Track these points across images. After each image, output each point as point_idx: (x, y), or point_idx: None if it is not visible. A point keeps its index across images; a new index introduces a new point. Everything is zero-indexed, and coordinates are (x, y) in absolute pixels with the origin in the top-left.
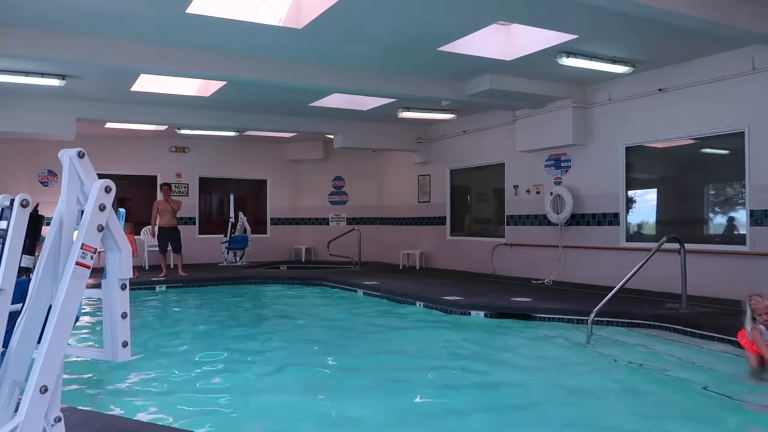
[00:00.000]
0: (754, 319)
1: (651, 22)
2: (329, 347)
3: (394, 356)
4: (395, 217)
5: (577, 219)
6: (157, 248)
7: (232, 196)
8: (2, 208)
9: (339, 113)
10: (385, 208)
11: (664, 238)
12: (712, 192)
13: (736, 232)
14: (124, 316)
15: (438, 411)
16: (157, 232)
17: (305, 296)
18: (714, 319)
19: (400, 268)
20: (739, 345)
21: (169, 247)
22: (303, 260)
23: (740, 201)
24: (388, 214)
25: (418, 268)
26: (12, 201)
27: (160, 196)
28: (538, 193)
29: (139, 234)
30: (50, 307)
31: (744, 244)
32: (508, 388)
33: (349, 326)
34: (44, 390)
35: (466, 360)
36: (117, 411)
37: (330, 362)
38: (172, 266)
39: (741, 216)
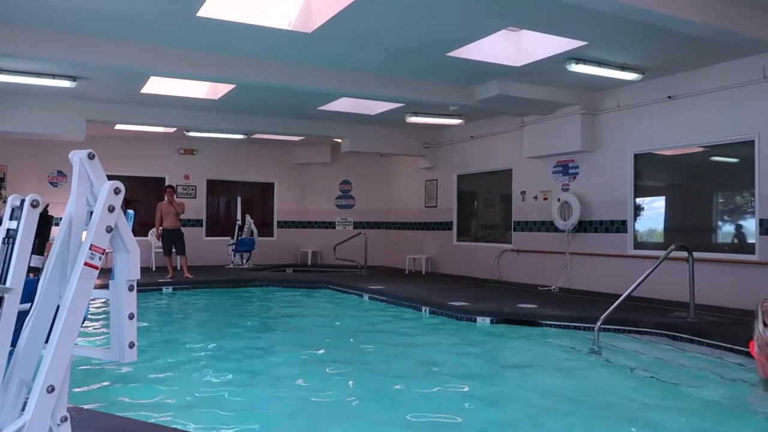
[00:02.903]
0: (765, 324)
1: (660, 30)
2: (333, 351)
3: (398, 362)
4: (402, 222)
5: (584, 226)
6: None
7: (239, 199)
8: (13, 208)
9: (347, 117)
10: (391, 213)
11: (672, 246)
12: (721, 200)
13: (745, 241)
14: (131, 317)
15: (440, 420)
16: (160, 234)
17: (311, 300)
18: (722, 328)
19: (406, 272)
20: (750, 355)
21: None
22: (309, 263)
23: (749, 210)
24: (394, 219)
25: (424, 272)
26: (22, 201)
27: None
28: (545, 199)
29: (147, 236)
30: (58, 307)
31: (753, 253)
32: (512, 396)
33: (353, 331)
34: (51, 389)
35: (470, 366)
36: (122, 411)
37: (333, 367)
38: (178, 268)
39: (750, 225)
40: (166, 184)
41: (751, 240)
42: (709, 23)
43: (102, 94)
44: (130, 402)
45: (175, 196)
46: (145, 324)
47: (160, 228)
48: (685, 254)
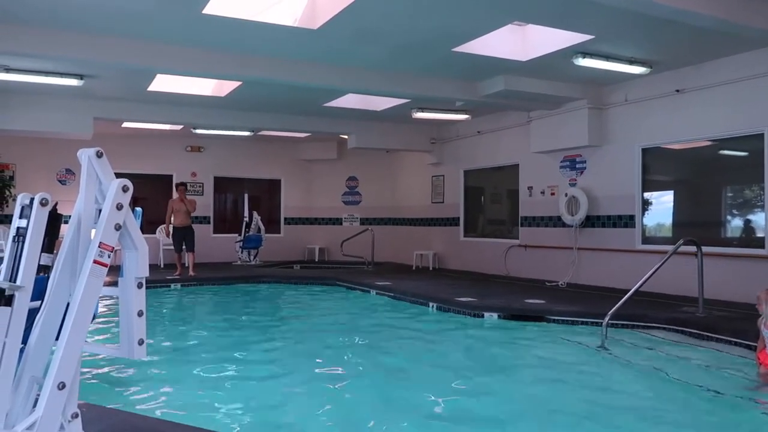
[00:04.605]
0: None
1: (668, 23)
2: (341, 347)
3: (405, 357)
4: (409, 218)
5: (592, 221)
6: (172, 247)
7: (246, 196)
8: (22, 207)
9: (353, 113)
10: (398, 209)
11: (681, 241)
12: (729, 194)
13: (754, 236)
14: (140, 314)
15: (447, 415)
16: (171, 232)
17: (318, 296)
18: (731, 323)
19: (413, 268)
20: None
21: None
22: (316, 260)
23: (759, 204)
24: (401, 215)
25: (431, 268)
26: (32, 200)
27: (175, 194)
28: (552, 194)
29: (155, 233)
30: (68, 304)
31: (762, 247)
32: (520, 392)
33: (361, 327)
34: (62, 386)
35: (478, 362)
36: (132, 408)
37: (341, 363)
38: (186, 265)
39: (759, 219)
40: (178, 181)
41: (760, 234)
42: (716, 15)
43: (109, 92)
44: (140, 398)
45: (186, 193)
46: (155, 321)
47: (171, 225)
48: (693, 249)
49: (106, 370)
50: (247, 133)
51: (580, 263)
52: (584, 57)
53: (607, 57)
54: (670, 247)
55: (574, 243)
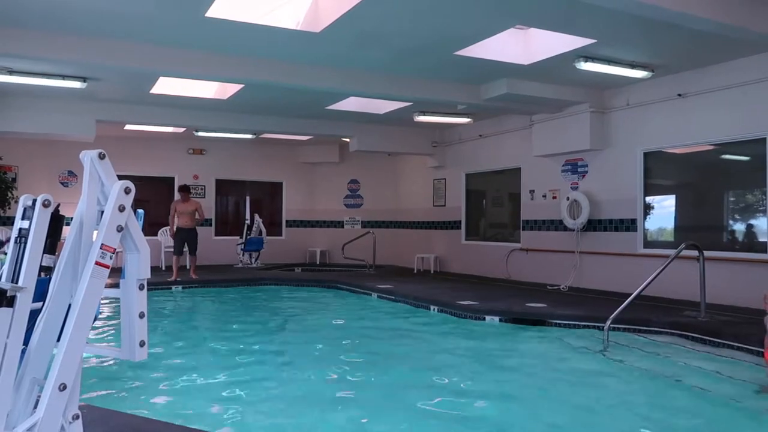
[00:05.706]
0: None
1: (670, 26)
2: (341, 351)
3: (406, 361)
4: (410, 221)
5: (593, 225)
6: (173, 249)
7: (248, 198)
8: (24, 208)
9: (355, 116)
10: (400, 212)
11: (683, 245)
12: (732, 199)
13: (756, 240)
14: (141, 315)
15: (449, 418)
16: (174, 233)
17: (320, 299)
18: (733, 327)
19: (415, 272)
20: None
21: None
22: (317, 263)
23: (761, 208)
24: (403, 218)
25: (432, 272)
26: (34, 201)
27: (177, 196)
28: (554, 198)
29: (156, 235)
30: (70, 305)
31: (765, 252)
32: (521, 396)
33: (362, 330)
34: (63, 387)
35: (479, 366)
36: (133, 410)
37: (341, 366)
38: (187, 267)
39: (761, 223)
40: (181, 184)
41: (762, 239)
42: (718, 20)
43: (112, 95)
44: (141, 400)
45: (188, 195)
46: (156, 323)
47: (174, 227)
48: (695, 253)
49: (107, 371)
50: (249, 136)
51: (582, 267)
52: (586, 61)
53: (609, 61)
54: (672, 251)
55: (576, 247)
